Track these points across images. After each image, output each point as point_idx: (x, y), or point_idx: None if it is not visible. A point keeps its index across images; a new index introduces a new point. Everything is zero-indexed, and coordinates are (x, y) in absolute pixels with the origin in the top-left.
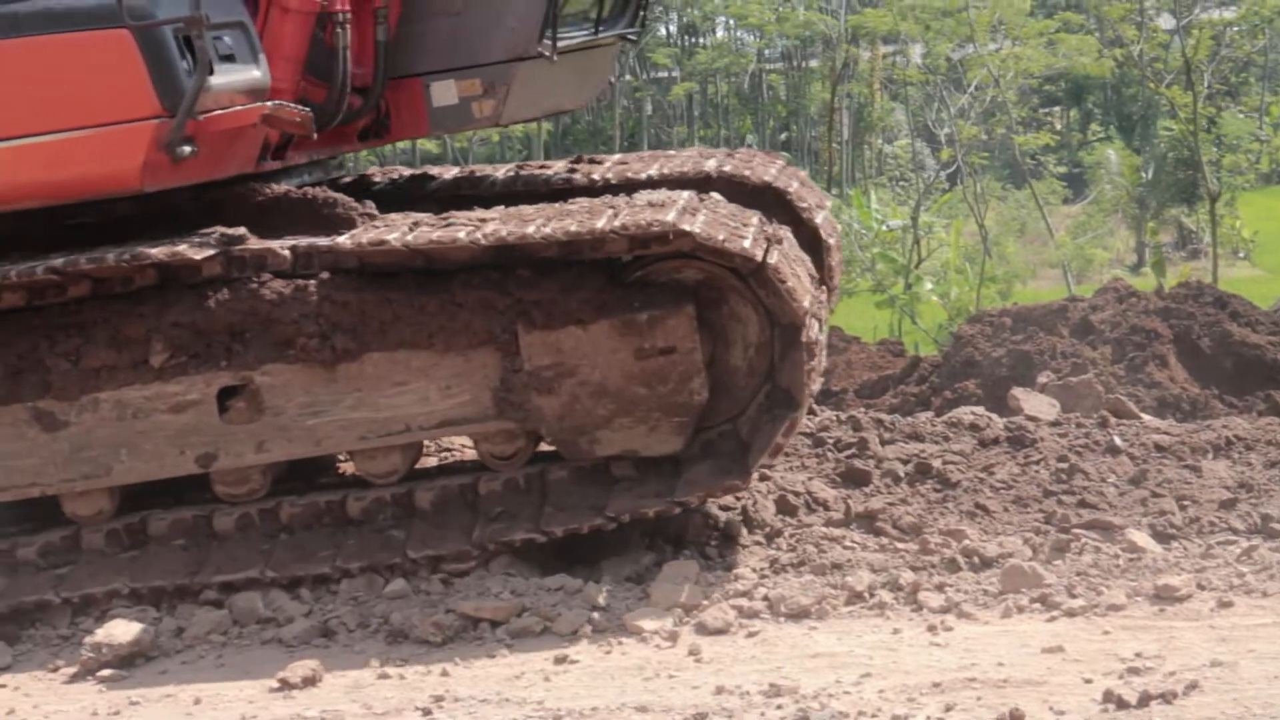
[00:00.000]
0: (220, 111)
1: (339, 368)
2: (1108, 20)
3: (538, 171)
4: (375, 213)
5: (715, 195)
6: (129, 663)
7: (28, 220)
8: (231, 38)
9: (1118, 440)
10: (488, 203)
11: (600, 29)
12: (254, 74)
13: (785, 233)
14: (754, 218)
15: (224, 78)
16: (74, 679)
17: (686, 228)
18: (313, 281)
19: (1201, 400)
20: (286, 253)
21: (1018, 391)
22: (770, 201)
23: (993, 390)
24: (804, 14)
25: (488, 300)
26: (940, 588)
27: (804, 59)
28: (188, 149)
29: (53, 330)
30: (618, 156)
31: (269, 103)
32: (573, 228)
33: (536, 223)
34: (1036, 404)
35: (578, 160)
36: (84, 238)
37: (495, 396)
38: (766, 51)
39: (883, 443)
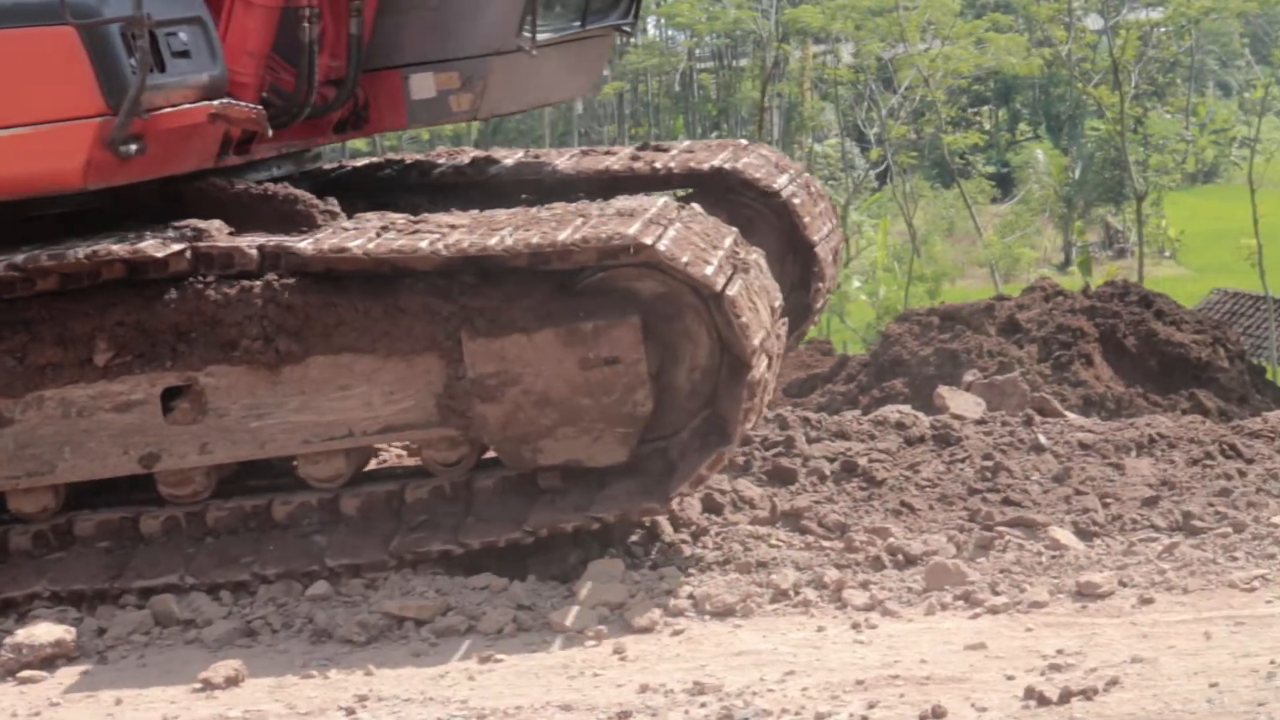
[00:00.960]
0: (170, 109)
1: (283, 370)
2: (1036, 20)
3: (602, 158)
4: (337, 210)
5: (695, 206)
6: (50, 664)
7: None
8: (188, 34)
9: (1042, 439)
10: (548, 191)
11: (589, 21)
12: (209, 72)
13: (756, 258)
14: (727, 239)
15: (174, 76)
16: None
17: (649, 241)
18: (257, 283)
19: (1126, 398)
20: (254, 252)
21: (943, 390)
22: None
23: (920, 389)
24: (735, 13)
25: (431, 306)
26: (865, 585)
27: (734, 58)
28: (134, 147)
29: None
30: (685, 144)
31: (216, 101)
32: (535, 239)
33: (502, 233)
34: (962, 402)
35: (643, 147)
36: (41, 232)
37: (439, 403)
38: (697, 50)
39: (809, 441)
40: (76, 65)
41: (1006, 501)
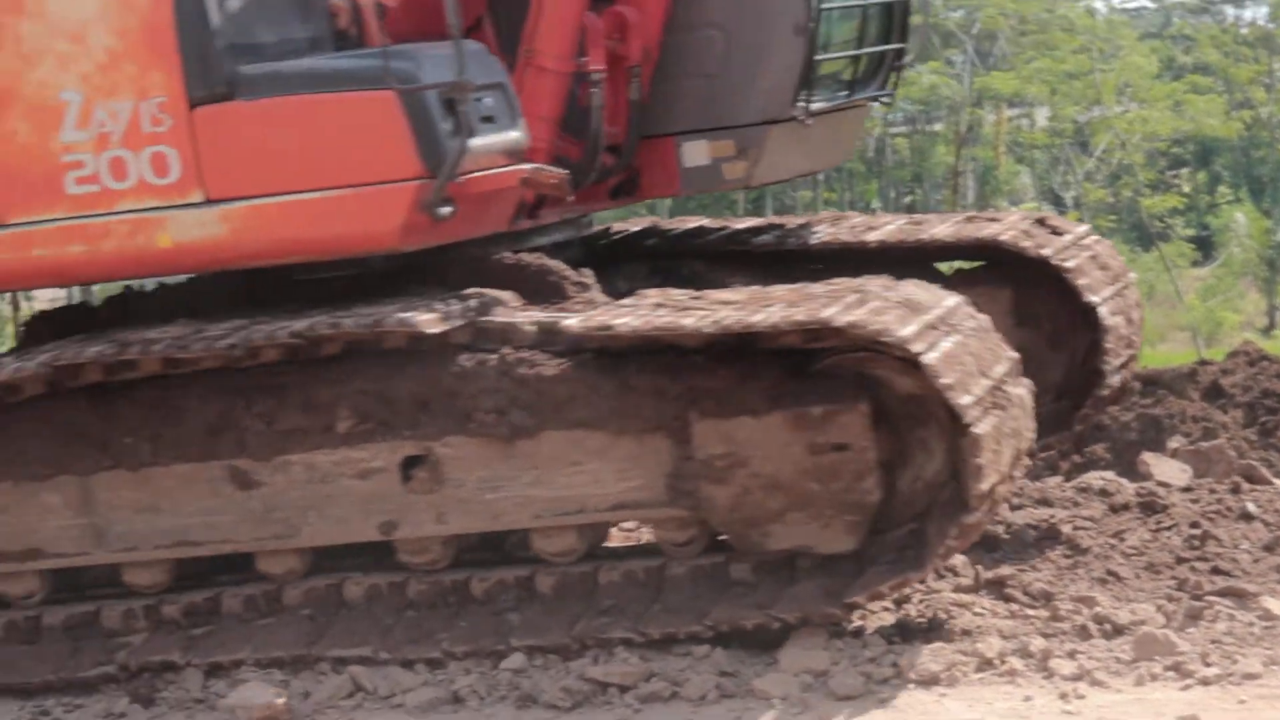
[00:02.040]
0: (480, 173)
1: (517, 444)
2: (1236, 82)
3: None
4: (590, 282)
5: (984, 319)
6: None
7: (256, 276)
8: (491, 99)
9: (1251, 506)
10: (859, 260)
11: (855, 92)
12: (513, 135)
13: (1021, 394)
14: (1000, 366)
15: (484, 139)
16: None
17: (918, 350)
18: (493, 357)
19: None
20: (532, 329)
21: (1148, 456)
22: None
23: (1122, 455)
24: (930, 78)
25: (660, 386)
26: (1072, 655)
27: (928, 122)
28: (447, 209)
29: (250, 391)
30: (1081, 229)
31: (528, 165)
32: (799, 317)
33: (771, 309)
34: (1167, 469)
35: (1041, 222)
36: (303, 297)
37: (668, 483)
38: (890, 115)
39: (1012, 508)
40: (396, 129)
41: (1216, 570)
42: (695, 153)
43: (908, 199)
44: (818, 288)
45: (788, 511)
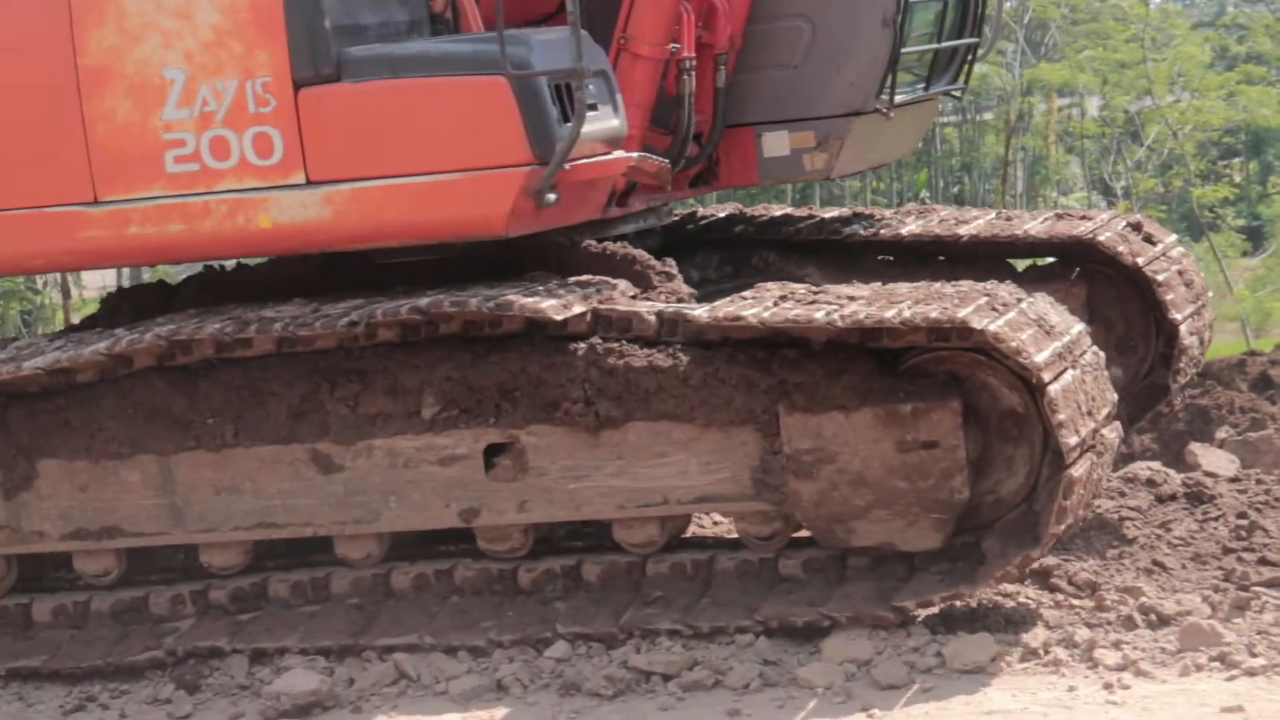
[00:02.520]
0: (584, 160)
1: (602, 434)
2: None
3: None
4: (674, 271)
5: (1098, 354)
6: (306, 712)
7: (339, 260)
8: (594, 85)
9: None
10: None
11: (931, 85)
12: (614, 122)
13: (1113, 437)
14: (1105, 406)
15: (589, 126)
16: None
17: (1052, 394)
18: (581, 345)
19: None
20: (652, 318)
21: (1195, 447)
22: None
23: (1169, 445)
24: (979, 68)
25: (750, 378)
26: (1117, 645)
27: (978, 111)
28: (553, 196)
29: (334, 375)
30: (1170, 239)
31: (634, 153)
32: (934, 314)
33: (900, 306)
34: (1215, 460)
35: (1136, 227)
36: (390, 281)
37: (754, 477)
38: (940, 104)
39: None
40: (507, 115)
41: (1263, 561)
42: (776, 143)
43: (955, 189)
44: (946, 287)
45: (873, 509)
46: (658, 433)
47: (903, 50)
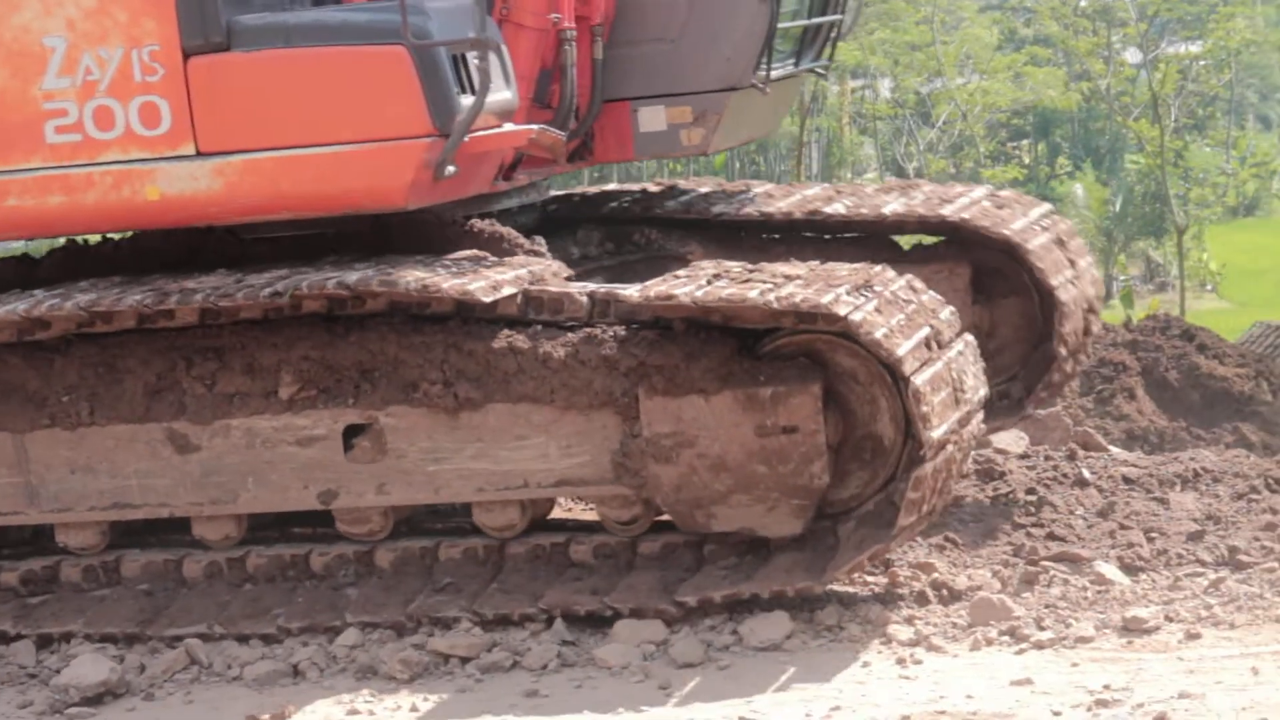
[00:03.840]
0: (484, 133)
1: (461, 415)
2: (1075, 54)
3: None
4: (542, 250)
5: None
6: (97, 701)
7: (204, 235)
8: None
9: (1086, 473)
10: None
11: (801, 61)
12: (506, 94)
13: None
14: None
15: (489, 98)
16: (41, 717)
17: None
18: (439, 328)
19: (1170, 432)
20: (584, 299)
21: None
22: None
23: None
24: None
25: (611, 360)
26: (909, 621)
27: None
28: (452, 169)
29: (191, 353)
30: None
31: (535, 126)
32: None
33: (838, 290)
34: (1005, 436)
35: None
36: (256, 257)
37: (613, 460)
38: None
39: None
40: (408, 86)
41: (1051, 536)
42: (652, 118)
43: (752, 168)
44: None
45: (733, 493)
46: (517, 415)
47: (780, 26)
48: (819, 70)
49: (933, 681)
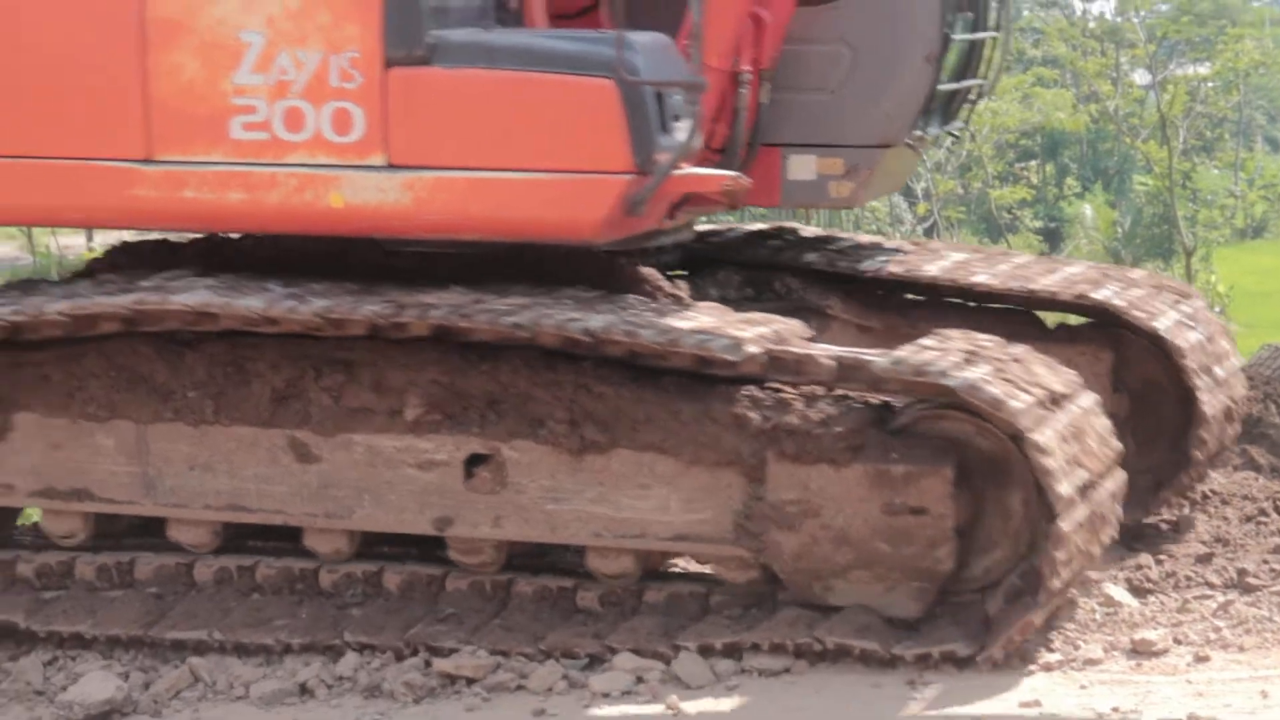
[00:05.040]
0: (680, 174)
1: (585, 458)
2: (1083, 76)
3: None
4: (681, 294)
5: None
6: (103, 719)
7: (348, 243)
8: (678, 96)
9: None
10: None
11: (945, 123)
12: (695, 137)
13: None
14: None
15: (680, 138)
16: None
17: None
18: (571, 367)
19: None
20: (830, 363)
21: None
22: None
23: None
24: None
25: (743, 419)
26: None
27: None
28: (645, 207)
29: (321, 363)
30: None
31: (729, 173)
32: None
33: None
34: None
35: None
36: (402, 272)
37: (735, 521)
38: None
39: None
40: (613, 120)
41: None
42: (802, 167)
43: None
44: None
45: (853, 569)
46: (642, 463)
47: (941, 88)
48: (954, 132)
49: (942, 703)
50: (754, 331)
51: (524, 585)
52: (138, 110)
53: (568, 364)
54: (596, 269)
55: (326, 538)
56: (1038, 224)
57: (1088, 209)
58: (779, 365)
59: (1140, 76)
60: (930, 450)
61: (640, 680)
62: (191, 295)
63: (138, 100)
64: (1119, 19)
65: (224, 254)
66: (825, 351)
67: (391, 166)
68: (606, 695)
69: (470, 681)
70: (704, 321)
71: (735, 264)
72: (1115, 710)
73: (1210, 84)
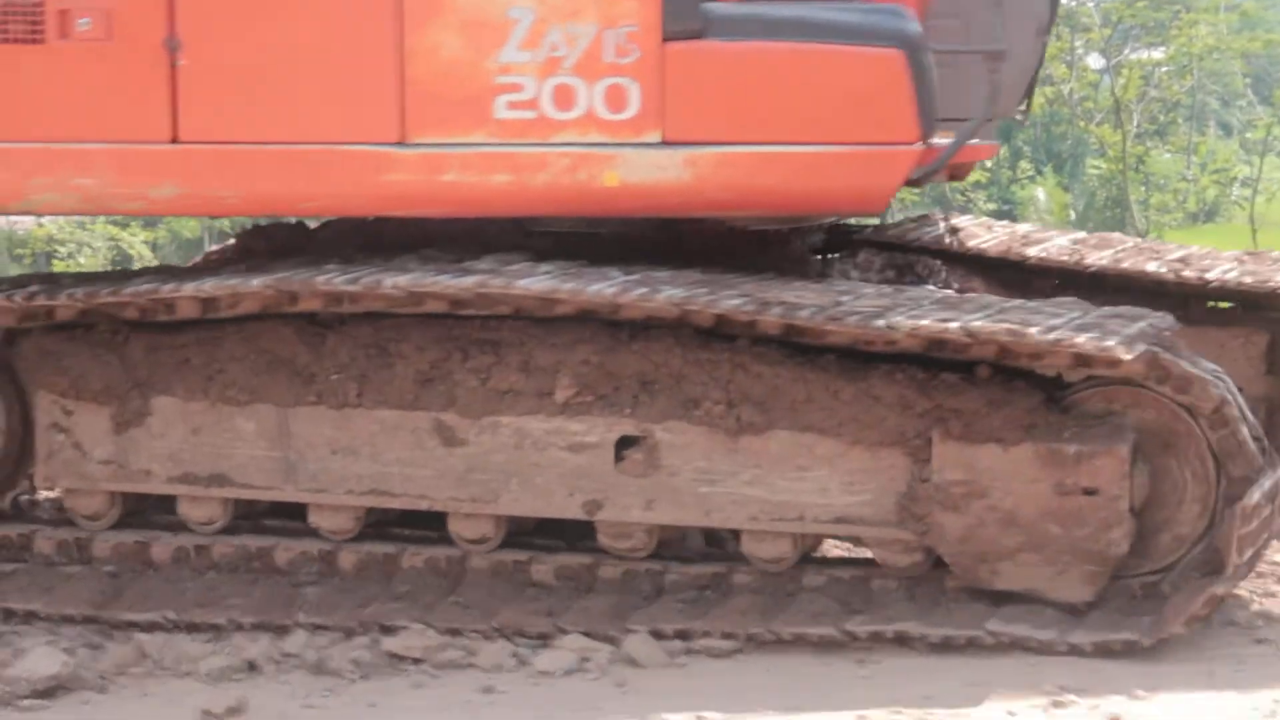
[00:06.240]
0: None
1: (741, 439)
2: None
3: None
4: (832, 273)
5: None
6: (49, 695)
7: (487, 223)
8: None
9: None
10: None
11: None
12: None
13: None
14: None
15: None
16: None
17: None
18: (726, 346)
19: None
20: (1217, 386)
21: None
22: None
23: None
24: None
25: (907, 399)
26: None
27: None
28: (931, 179)
29: (467, 344)
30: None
31: (990, 141)
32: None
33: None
34: None
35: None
36: (549, 249)
37: (898, 503)
38: None
39: None
40: (902, 90)
41: None
42: None
43: None
44: None
45: (1021, 551)
46: (801, 444)
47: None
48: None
49: (890, 682)
50: (1135, 329)
51: (479, 561)
52: (393, 91)
53: (723, 343)
54: (750, 249)
55: (473, 522)
56: (991, 206)
57: (1040, 192)
58: (1163, 372)
59: (1095, 60)
60: (1106, 430)
61: (586, 659)
62: (535, 280)
63: (394, 80)
64: (1074, 3)
65: (361, 235)
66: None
67: (669, 143)
68: (551, 674)
69: (417, 661)
70: (1078, 316)
71: (874, 245)
72: (1062, 689)
73: (1164, 68)
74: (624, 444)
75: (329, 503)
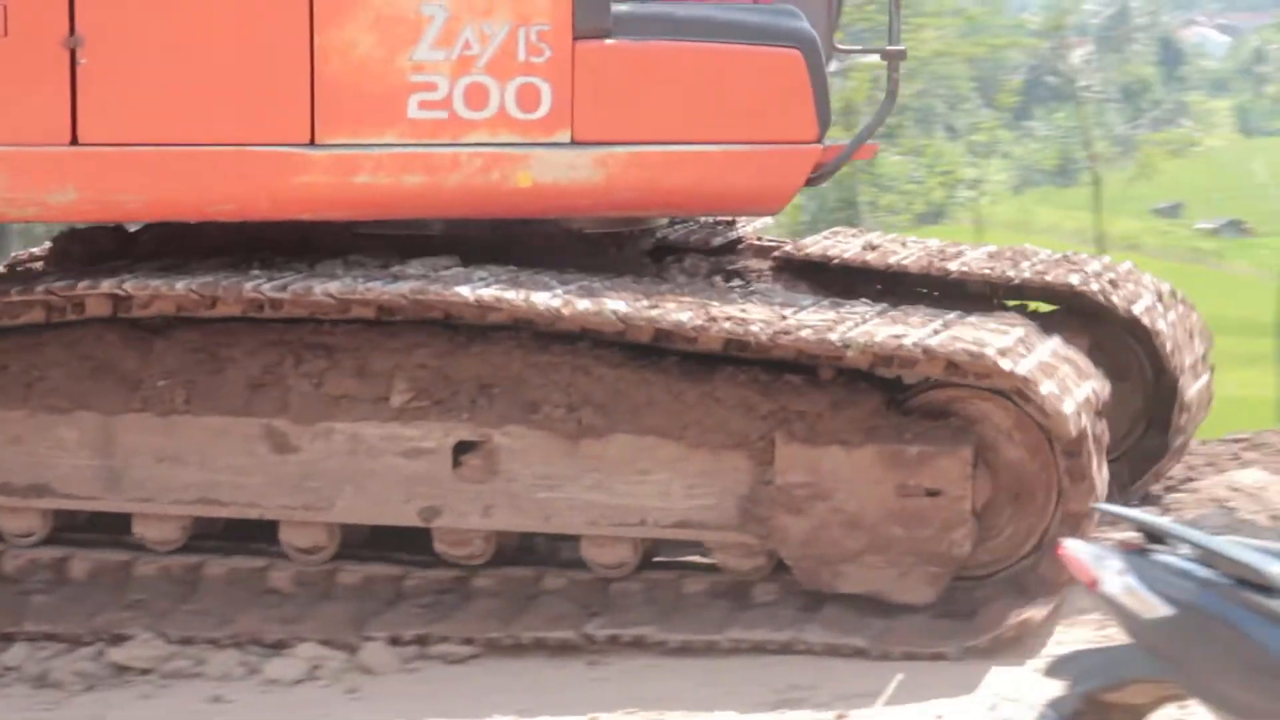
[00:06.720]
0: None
1: (582, 443)
2: None
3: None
4: (663, 272)
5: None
6: None
7: (313, 226)
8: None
9: None
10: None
11: None
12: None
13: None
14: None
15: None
16: None
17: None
18: (567, 348)
19: None
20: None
21: None
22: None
23: None
24: None
25: (749, 401)
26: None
27: None
28: (828, 178)
29: (300, 348)
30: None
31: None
32: None
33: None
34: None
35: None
36: (374, 250)
37: (740, 506)
38: None
39: None
40: (802, 90)
41: None
42: None
43: None
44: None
45: (865, 554)
46: (642, 448)
47: None
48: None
49: (624, 684)
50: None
51: (214, 568)
52: (303, 91)
53: (563, 346)
54: (577, 252)
55: (305, 531)
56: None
57: None
58: None
59: None
60: (948, 431)
61: (318, 667)
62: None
63: (303, 80)
64: None
65: (182, 240)
66: None
67: (576, 143)
68: (293, 675)
69: (144, 671)
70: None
71: (699, 251)
72: (793, 687)
73: None
74: (462, 449)
75: (154, 512)
